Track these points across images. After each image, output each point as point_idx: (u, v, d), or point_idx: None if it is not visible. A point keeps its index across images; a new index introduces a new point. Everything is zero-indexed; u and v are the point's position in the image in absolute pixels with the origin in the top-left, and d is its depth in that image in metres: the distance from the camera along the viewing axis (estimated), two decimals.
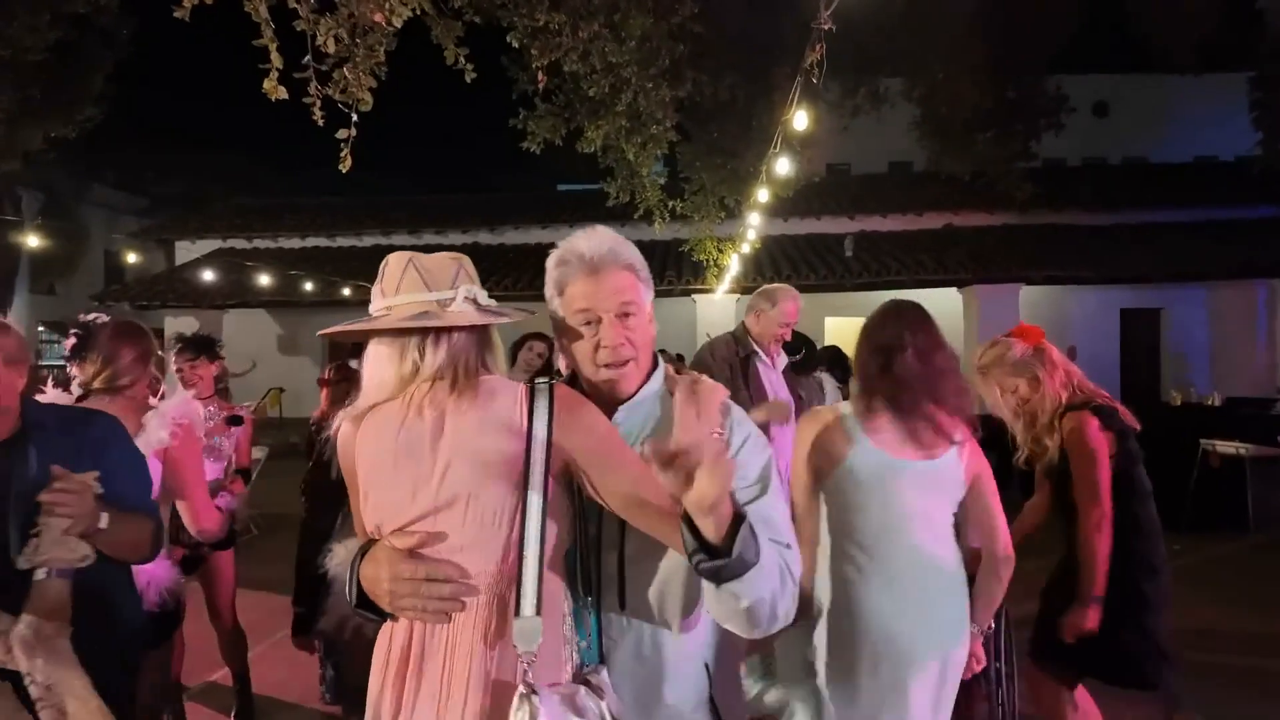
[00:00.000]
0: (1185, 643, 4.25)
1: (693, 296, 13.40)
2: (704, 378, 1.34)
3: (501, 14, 3.51)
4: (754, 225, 7.17)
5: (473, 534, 1.22)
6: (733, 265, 11.51)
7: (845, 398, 4.94)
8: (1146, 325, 14.79)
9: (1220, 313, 14.17)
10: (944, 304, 14.06)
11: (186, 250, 16.74)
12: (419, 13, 2.74)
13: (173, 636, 2.66)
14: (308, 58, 2.39)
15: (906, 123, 13.05)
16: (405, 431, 1.24)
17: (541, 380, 1.29)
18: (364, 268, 13.58)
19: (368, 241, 15.87)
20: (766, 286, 3.76)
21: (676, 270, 13.51)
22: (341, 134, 2.59)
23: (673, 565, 1.30)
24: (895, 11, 8.71)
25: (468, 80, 3.21)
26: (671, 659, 1.35)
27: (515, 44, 3.63)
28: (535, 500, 1.21)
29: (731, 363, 3.53)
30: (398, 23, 2.53)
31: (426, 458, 1.22)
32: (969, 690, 3.08)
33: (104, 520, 1.58)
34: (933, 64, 10.30)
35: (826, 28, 2.81)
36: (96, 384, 2.34)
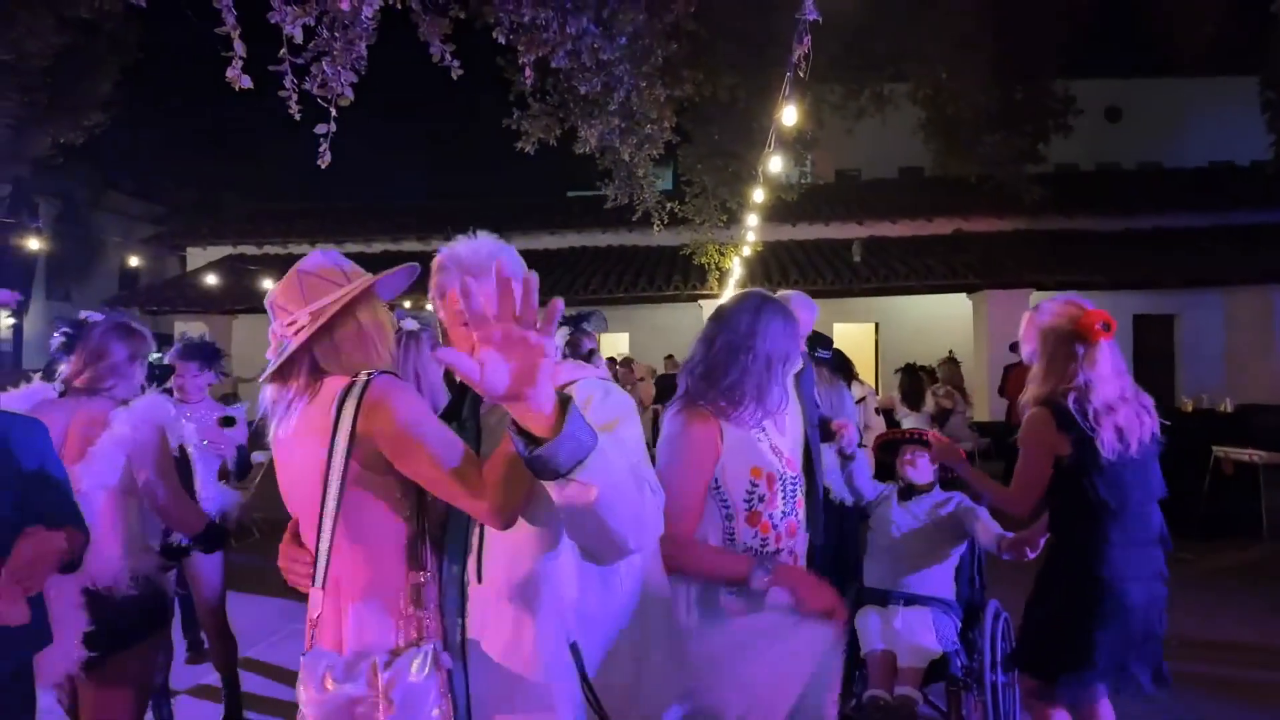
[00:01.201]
0: (1196, 654, 4.15)
1: (698, 301, 13.35)
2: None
3: (487, 9, 3.49)
4: (753, 228, 7.12)
5: (302, 519, 1.46)
6: (735, 269, 11.44)
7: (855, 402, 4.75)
8: (1160, 331, 14.58)
9: (1235, 319, 13.94)
10: (954, 310, 13.97)
11: (198, 256, 16.88)
12: (399, 7, 2.72)
13: (157, 631, 2.62)
14: (283, 50, 2.38)
15: (916, 128, 12.95)
16: (279, 434, 1.48)
17: (366, 373, 1.43)
18: (374, 272, 13.60)
19: (377, 248, 15.94)
20: (782, 292, 3.55)
21: (682, 275, 13.47)
22: (320, 129, 2.58)
23: (525, 532, 1.33)
24: (899, 11, 8.66)
25: (453, 78, 3.19)
26: (529, 634, 1.34)
27: (501, 40, 3.61)
28: (333, 485, 1.37)
29: None
30: (369, 13, 2.51)
31: (282, 455, 1.48)
32: (966, 699, 3.02)
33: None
34: (937, 64, 10.24)
35: (811, 19, 2.77)
36: (78, 382, 2.35)
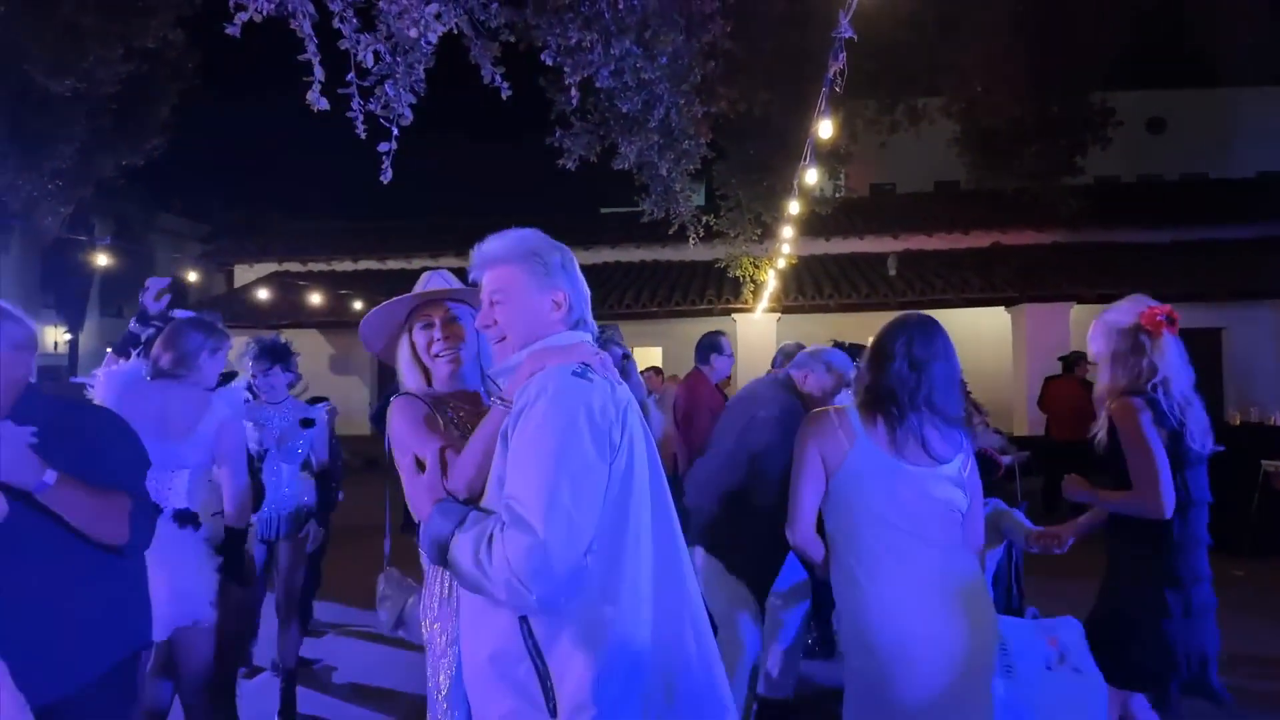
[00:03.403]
0: (1247, 671, 4.08)
1: (732, 315, 13.42)
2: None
3: (536, 33, 3.68)
4: (788, 240, 7.19)
5: None
6: (770, 282, 11.50)
7: None
8: (1207, 345, 14.23)
9: None
10: (992, 323, 13.82)
11: (245, 273, 17.42)
12: (456, 31, 2.90)
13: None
14: (351, 74, 2.56)
15: (952, 141, 12.90)
16: None
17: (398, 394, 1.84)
18: (413, 289, 13.96)
19: (416, 264, 16.30)
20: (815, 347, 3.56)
21: (716, 289, 13.56)
22: (383, 147, 2.77)
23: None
24: (933, 26, 8.70)
25: (503, 98, 3.36)
26: (480, 605, 1.42)
27: (550, 62, 3.79)
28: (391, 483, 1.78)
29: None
30: (432, 38, 2.69)
31: None
32: None
33: (49, 476, 1.62)
34: (972, 78, 10.24)
35: (847, 36, 2.87)
36: (162, 365, 2.64)
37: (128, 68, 9.62)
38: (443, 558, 1.36)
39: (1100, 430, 2.45)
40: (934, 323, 2.16)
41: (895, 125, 10.87)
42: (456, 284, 1.94)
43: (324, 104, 2.43)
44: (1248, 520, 6.44)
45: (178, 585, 2.44)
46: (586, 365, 1.42)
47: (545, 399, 1.34)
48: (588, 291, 1.60)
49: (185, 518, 2.59)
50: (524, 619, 1.35)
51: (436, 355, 1.85)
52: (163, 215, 24.59)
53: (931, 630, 1.95)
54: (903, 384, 2.05)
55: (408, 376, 1.89)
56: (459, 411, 1.82)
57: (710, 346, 4.45)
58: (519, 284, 1.52)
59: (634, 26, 3.66)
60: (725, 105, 5.66)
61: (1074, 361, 8.53)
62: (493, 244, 1.57)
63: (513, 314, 1.52)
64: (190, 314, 2.89)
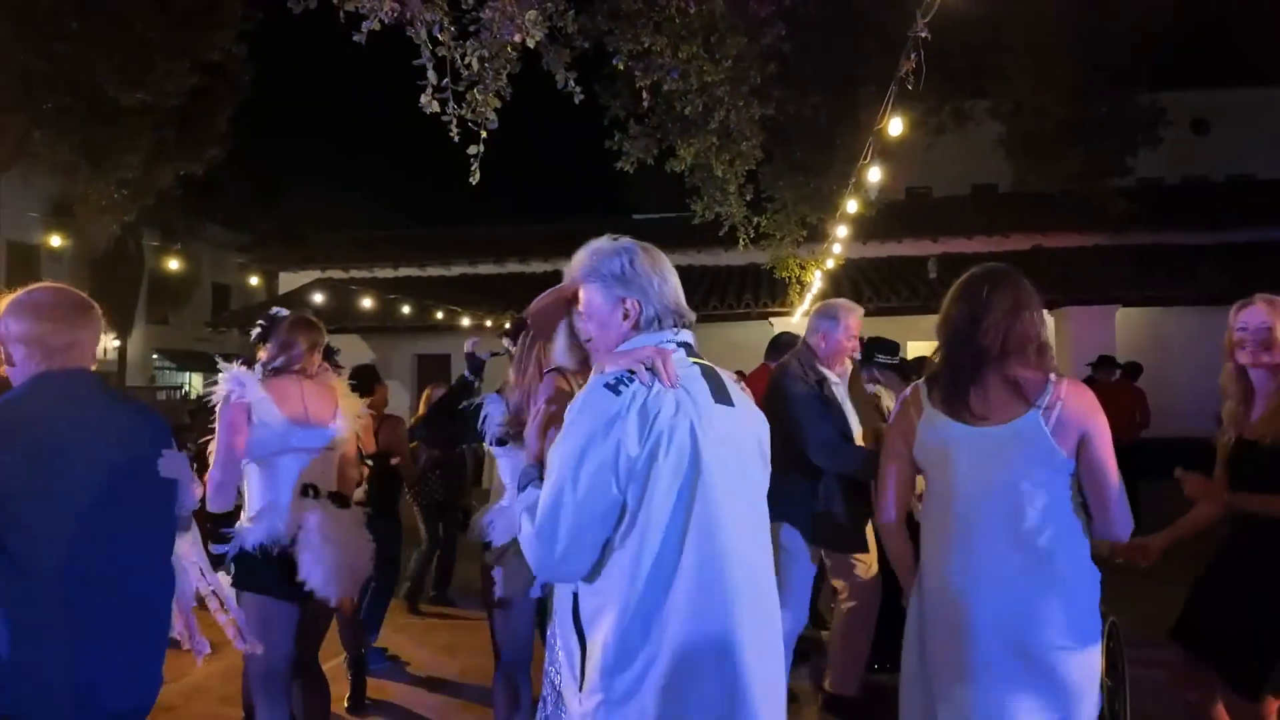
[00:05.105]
0: None
1: (769, 320, 13.42)
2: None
3: (607, 39, 3.79)
4: (841, 240, 7.23)
5: None
6: (815, 283, 11.52)
7: None
8: None
9: None
10: None
11: (289, 281, 17.81)
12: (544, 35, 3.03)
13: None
14: (446, 79, 2.69)
15: (990, 144, 12.78)
16: None
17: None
18: (453, 294, 14.21)
19: (455, 271, 16.58)
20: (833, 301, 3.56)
21: (753, 293, 13.58)
22: (472, 150, 2.91)
23: None
24: (984, 26, 8.69)
25: (575, 103, 3.47)
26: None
27: (621, 66, 3.91)
28: None
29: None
30: (531, 43, 2.82)
31: None
32: None
33: None
34: (1020, 78, 10.18)
35: (923, 36, 2.92)
36: (277, 364, 2.81)
37: (192, 80, 10.02)
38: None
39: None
40: (1004, 271, 2.05)
41: (942, 127, 10.83)
42: None
43: (435, 107, 2.57)
44: None
45: (344, 561, 2.60)
46: (629, 373, 1.48)
47: (573, 410, 1.49)
48: (665, 281, 1.63)
49: (339, 500, 2.77)
50: (575, 594, 1.50)
51: (588, 341, 1.81)
52: (204, 224, 25.20)
53: (986, 605, 1.88)
54: (957, 338, 1.98)
55: (568, 354, 2.20)
56: None
57: (788, 345, 4.22)
58: (594, 301, 1.66)
59: (700, 30, 3.77)
60: (775, 107, 5.74)
61: (1137, 369, 8.53)
62: (575, 259, 1.72)
63: (595, 328, 1.67)
64: (285, 312, 3.05)
